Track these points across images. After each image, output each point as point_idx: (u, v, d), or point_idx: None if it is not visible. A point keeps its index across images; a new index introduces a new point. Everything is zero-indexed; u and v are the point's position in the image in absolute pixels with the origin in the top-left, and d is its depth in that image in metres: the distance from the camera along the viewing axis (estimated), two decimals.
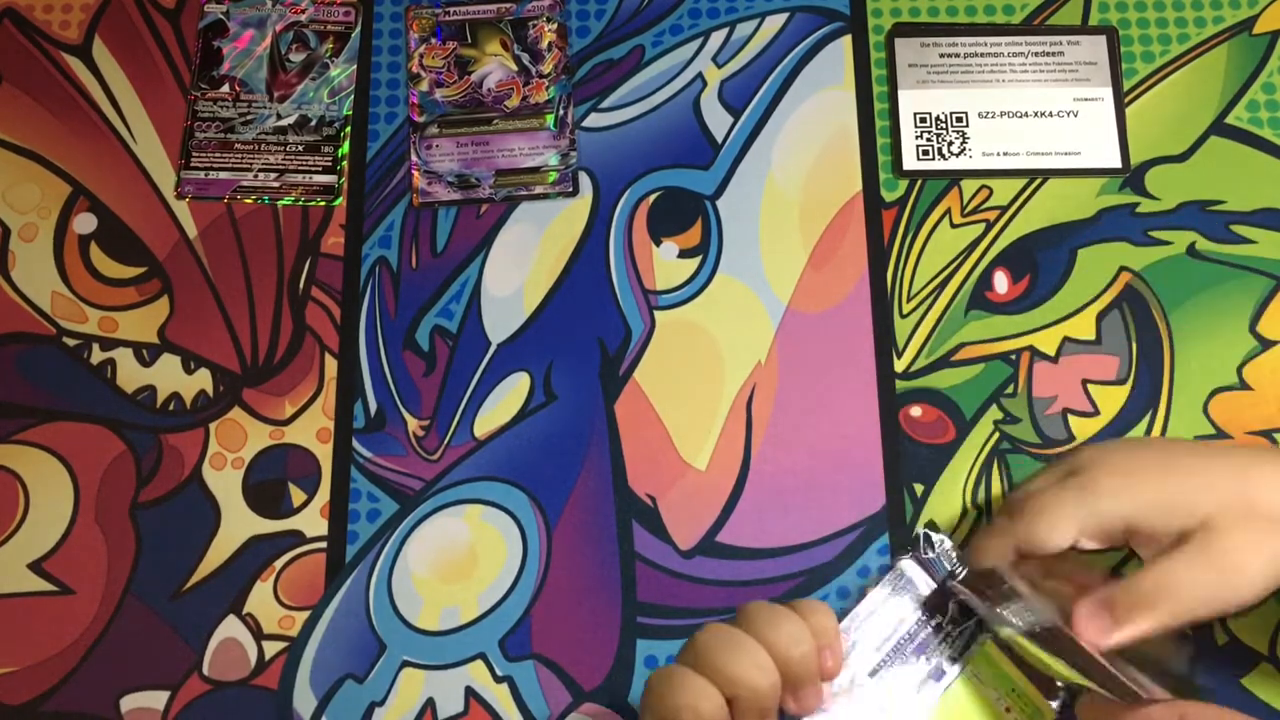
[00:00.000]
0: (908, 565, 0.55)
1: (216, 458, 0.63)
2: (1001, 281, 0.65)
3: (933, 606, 0.54)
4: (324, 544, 0.62)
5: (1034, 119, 0.67)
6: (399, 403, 0.64)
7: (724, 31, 0.69)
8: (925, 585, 0.55)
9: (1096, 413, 0.62)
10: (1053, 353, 0.63)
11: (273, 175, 0.67)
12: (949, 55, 0.68)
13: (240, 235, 0.67)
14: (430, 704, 0.59)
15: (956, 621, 0.53)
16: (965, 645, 0.53)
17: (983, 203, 0.66)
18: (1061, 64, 0.68)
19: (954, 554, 0.55)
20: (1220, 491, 0.48)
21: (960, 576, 0.54)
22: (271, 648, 0.60)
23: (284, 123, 0.68)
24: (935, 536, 0.56)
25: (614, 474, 0.62)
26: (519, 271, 0.66)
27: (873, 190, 0.67)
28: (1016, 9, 0.69)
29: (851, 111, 0.68)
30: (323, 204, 0.67)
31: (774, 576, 0.61)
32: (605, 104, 0.69)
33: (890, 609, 0.54)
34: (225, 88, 0.69)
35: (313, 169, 0.68)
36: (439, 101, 0.68)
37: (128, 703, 0.59)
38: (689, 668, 0.47)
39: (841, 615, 0.53)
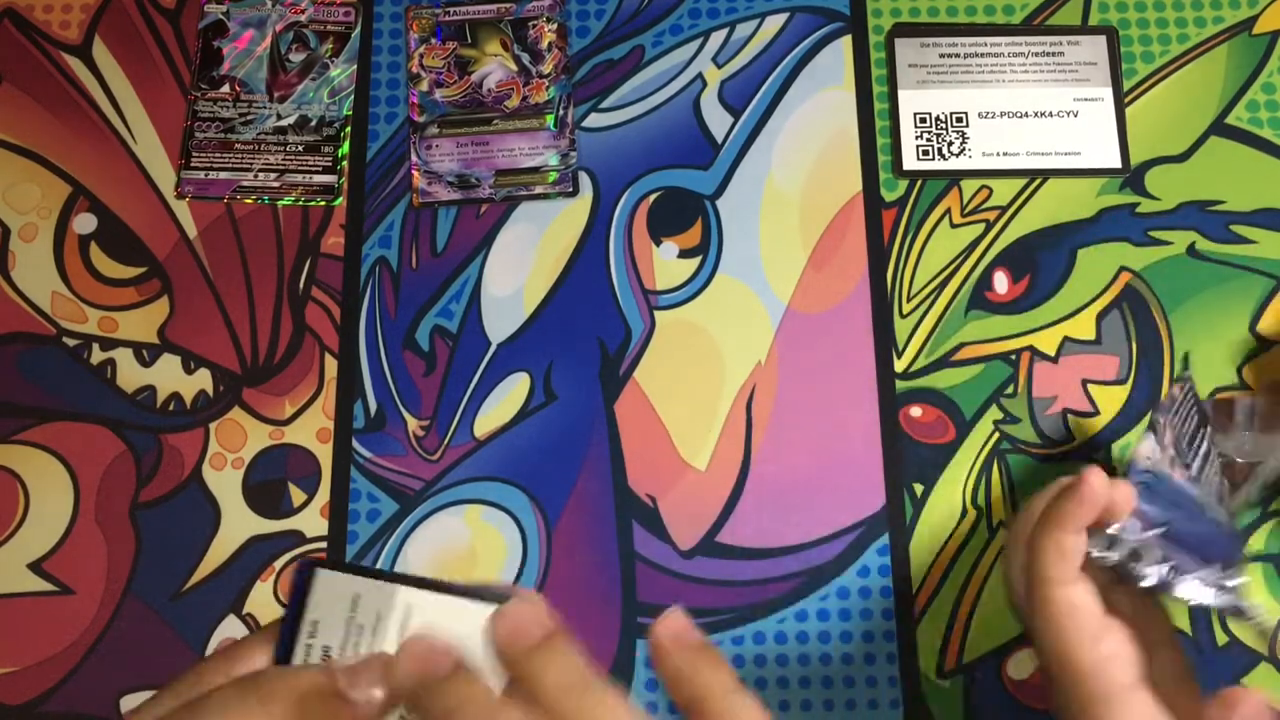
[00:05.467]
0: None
1: (216, 458, 0.63)
2: (1001, 281, 0.65)
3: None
4: (324, 544, 0.62)
5: (1034, 119, 0.67)
6: (399, 403, 0.64)
7: (724, 31, 0.69)
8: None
9: (1096, 412, 0.62)
10: (1053, 353, 0.63)
11: (273, 175, 0.67)
12: (949, 55, 0.68)
13: (240, 235, 0.67)
14: None
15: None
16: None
17: (983, 203, 0.66)
18: (1061, 64, 0.68)
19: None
20: None
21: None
22: None
23: (284, 123, 0.68)
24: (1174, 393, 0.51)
25: (614, 474, 0.62)
26: (519, 271, 0.66)
27: (873, 190, 0.66)
28: (1016, 9, 0.69)
29: (851, 111, 0.68)
30: (323, 204, 0.67)
31: (774, 576, 0.61)
32: (605, 104, 0.69)
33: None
34: (225, 88, 0.69)
35: (313, 169, 0.68)
36: (439, 101, 0.68)
37: (128, 703, 0.59)
38: None
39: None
